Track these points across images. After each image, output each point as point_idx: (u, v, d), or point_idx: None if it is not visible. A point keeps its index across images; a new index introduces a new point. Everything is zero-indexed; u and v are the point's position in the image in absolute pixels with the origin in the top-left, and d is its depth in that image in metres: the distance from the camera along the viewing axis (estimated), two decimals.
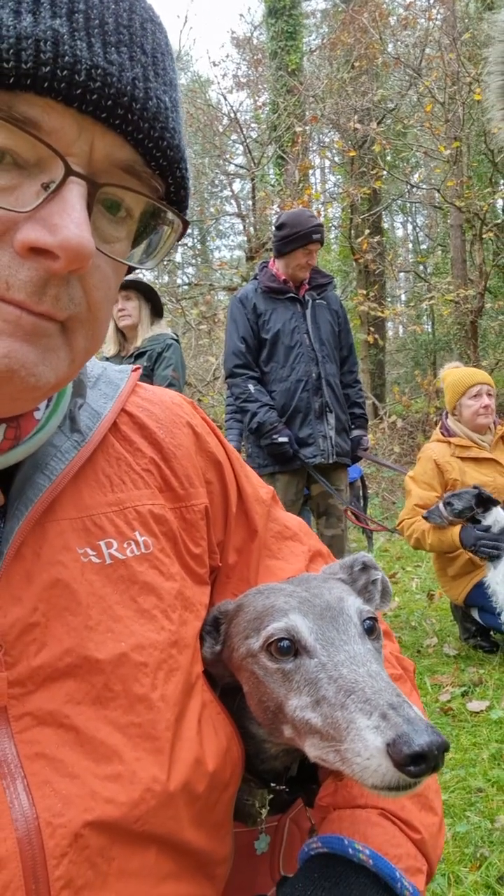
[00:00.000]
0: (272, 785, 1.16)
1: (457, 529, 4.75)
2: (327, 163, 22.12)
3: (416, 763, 0.75)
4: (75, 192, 0.73)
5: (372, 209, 17.45)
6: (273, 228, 5.45)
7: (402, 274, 22.22)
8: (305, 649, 0.93)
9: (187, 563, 1.10)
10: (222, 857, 1.06)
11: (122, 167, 0.79)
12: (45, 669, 0.84)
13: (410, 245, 26.63)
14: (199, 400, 13.39)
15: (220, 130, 17.21)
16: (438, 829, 1.07)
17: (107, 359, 5.23)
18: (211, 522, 1.18)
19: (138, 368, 1.22)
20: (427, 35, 14.97)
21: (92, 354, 0.87)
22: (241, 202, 18.61)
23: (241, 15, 43.76)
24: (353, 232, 16.46)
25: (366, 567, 1.20)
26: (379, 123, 15.20)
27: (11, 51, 0.67)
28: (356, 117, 14.81)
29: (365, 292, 14.99)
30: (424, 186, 16.90)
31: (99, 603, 0.92)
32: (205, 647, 1.10)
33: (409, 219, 26.18)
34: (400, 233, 28.56)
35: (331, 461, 5.17)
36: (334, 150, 18.36)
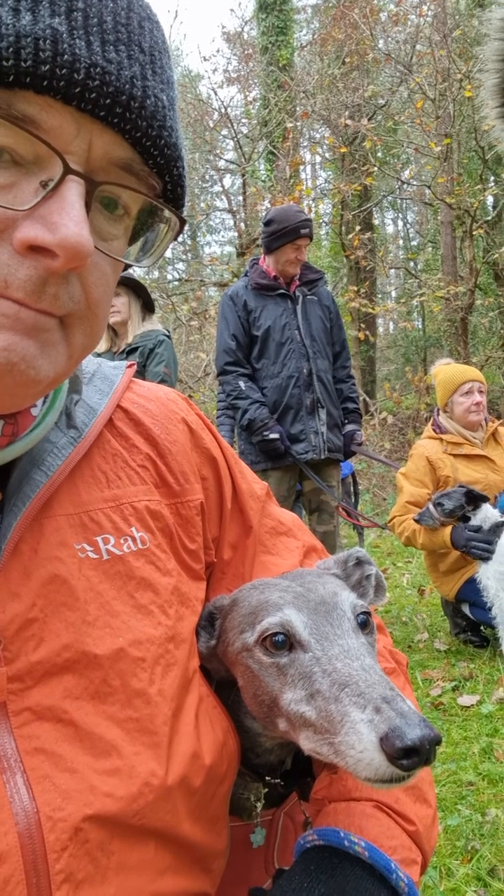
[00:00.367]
0: (267, 778, 1.16)
1: (448, 530, 4.76)
2: (318, 159, 22.11)
3: (409, 756, 0.76)
4: (74, 191, 0.73)
5: (363, 205, 17.45)
6: (262, 225, 5.44)
7: (392, 270, 22.18)
8: (300, 643, 0.94)
9: (183, 559, 1.11)
10: (219, 850, 1.06)
11: (120, 165, 0.79)
12: (43, 665, 0.85)
13: (401, 241, 26.65)
14: (190, 396, 13.36)
15: (211, 125, 17.19)
16: (432, 820, 1.08)
17: (98, 355, 5.20)
18: (206, 518, 1.19)
19: (133, 364, 1.22)
20: (418, 31, 14.96)
21: (90, 351, 0.87)
22: (232, 198, 18.60)
23: (232, 10, 43.78)
24: (343, 228, 16.46)
25: (360, 562, 1.21)
26: (370, 120, 15.19)
27: (11, 49, 0.67)
28: (347, 113, 14.81)
29: (356, 289, 14.98)
30: (415, 183, 16.90)
31: (97, 598, 0.93)
32: (200, 641, 1.10)
33: (400, 215, 26.19)
34: (391, 229, 28.57)
35: (322, 457, 5.17)
36: (325, 146, 18.34)
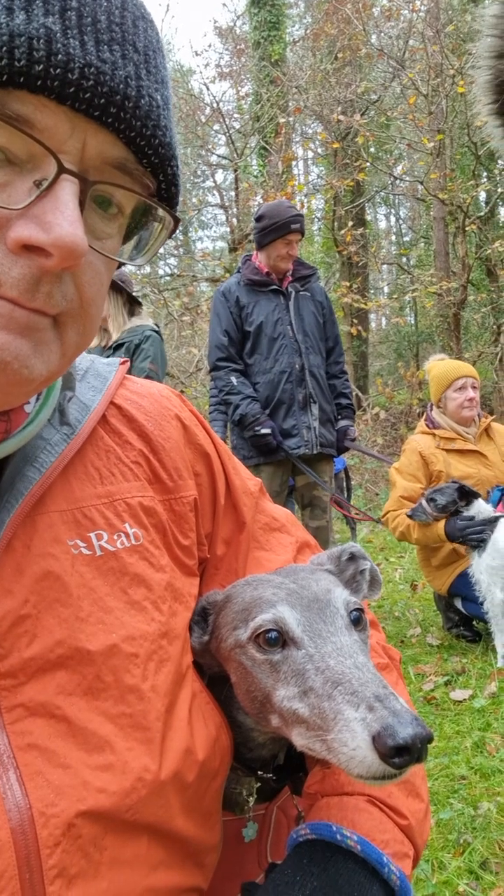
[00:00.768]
0: (260, 773, 1.17)
1: (442, 524, 4.79)
2: (311, 154, 22.10)
3: (401, 755, 0.76)
4: (68, 190, 0.73)
5: (355, 201, 17.45)
6: (253, 221, 5.44)
7: (385, 266, 22.25)
8: (293, 640, 0.94)
9: (176, 555, 1.11)
10: (212, 845, 1.07)
11: (114, 164, 0.79)
12: (36, 661, 0.85)
13: (393, 237, 26.68)
14: (182, 391, 13.33)
15: (203, 120, 17.12)
16: (424, 814, 1.08)
17: (88, 351, 5.15)
18: (200, 514, 1.19)
19: (126, 361, 1.22)
20: (411, 26, 14.95)
21: (83, 349, 0.87)
22: (224, 193, 18.54)
23: (224, 4, 43.55)
24: (336, 224, 16.45)
25: (353, 557, 1.21)
26: (362, 115, 15.19)
27: (4, 48, 0.67)
28: (339, 109, 14.81)
29: (348, 284, 14.98)
30: (408, 178, 16.87)
31: (90, 594, 0.93)
32: (193, 637, 1.10)
33: (393, 211, 26.20)
34: (383, 225, 28.59)
35: (315, 452, 5.19)
36: (317, 142, 18.34)
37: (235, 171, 16.53)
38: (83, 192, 0.75)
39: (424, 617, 5.85)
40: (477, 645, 5.02)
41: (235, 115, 18.93)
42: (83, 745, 0.86)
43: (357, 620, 0.99)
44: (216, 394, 5.69)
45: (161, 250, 0.96)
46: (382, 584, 1.26)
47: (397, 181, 17.61)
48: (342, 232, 15.27)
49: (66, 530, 0.94)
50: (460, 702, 4.13)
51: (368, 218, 22.77)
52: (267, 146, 16.20)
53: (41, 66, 0.68)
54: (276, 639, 0.95)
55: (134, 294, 5.13)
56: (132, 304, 5.12)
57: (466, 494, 4.72)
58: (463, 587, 4.90)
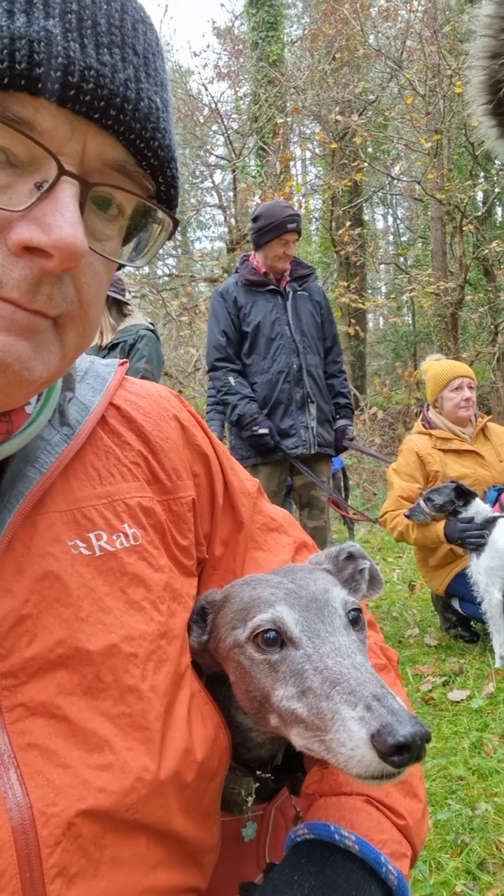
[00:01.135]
0: (258, 773, 1.17)
1: (441, 524, 4.79)
2: (308, 154, 22.11)
3: (400, 753, 0.77)
4: (68, 192, 0.73)
5: (353, 201, 17.45)
6: (251, 221, 5.45)
7: (382, 266, 22.22)
8: (291, 640, 0.94)
9: (175, 555, 1.12)
10: (210, 845, 1.07)
11: (114, 167, 0.80)
12: (37, 661, 0.85)
13: (391, 237, 26.68)
14: (180, 391, 13.35)
15: (201, 121, 17.12)
16: (422, 814, 1.09)
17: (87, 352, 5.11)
18: (198, 514, 1.19)
19: (125, 362, 1.23)
20: (408, 27, 14.94)
21: (83, 350, 0.88)
22: (222, 193, 18.56)
23: (222, 4, 43.50)
24: (334, 224, 16.46)
25: (352, 556, 1.22)
26: (360, 115, 15.17)
27: (5, 51, 0.67)
28: (337, 109, 14.81)
29: (346, 284, 14.98)
30: (405, 179, 16.87)
31: (89, 594, 0.93)
32: (192, 636, 1.11)
33: (390, 211, 26.23)
34: (381, 225, 28.61)
35: (312, 452, 5.19)
36: (315, 142, 18.34)
37: (233, 171, 16.53)
38: (83, 193, 0.76)
39: (422, 617, 5.85)
40: (474, 645, 5.02)
41: (233, 116, 18.96)
42: (83, 745, 0.86)
43: (355, 620, 0.99)
44: (214, 394, 5.69)
45: (160, 251, 0.96)
46: (383, 583, 1.26)
47: (395, 181, 17.61)
48: (340, 232, 15.27)
49: (65, 530, 0.95)
50: (458, 702, 4.13)
51: (366, 218, 22.78)
52: (265, 146, 16.20)
53: (42, 69, 0.69)
54: (275, 639, 0.95)
55: (117, 295, 5.05)
56: (119, 305, 5.08)
57: (464, 494, 4.72)
58: (460, 587, 4.90)
